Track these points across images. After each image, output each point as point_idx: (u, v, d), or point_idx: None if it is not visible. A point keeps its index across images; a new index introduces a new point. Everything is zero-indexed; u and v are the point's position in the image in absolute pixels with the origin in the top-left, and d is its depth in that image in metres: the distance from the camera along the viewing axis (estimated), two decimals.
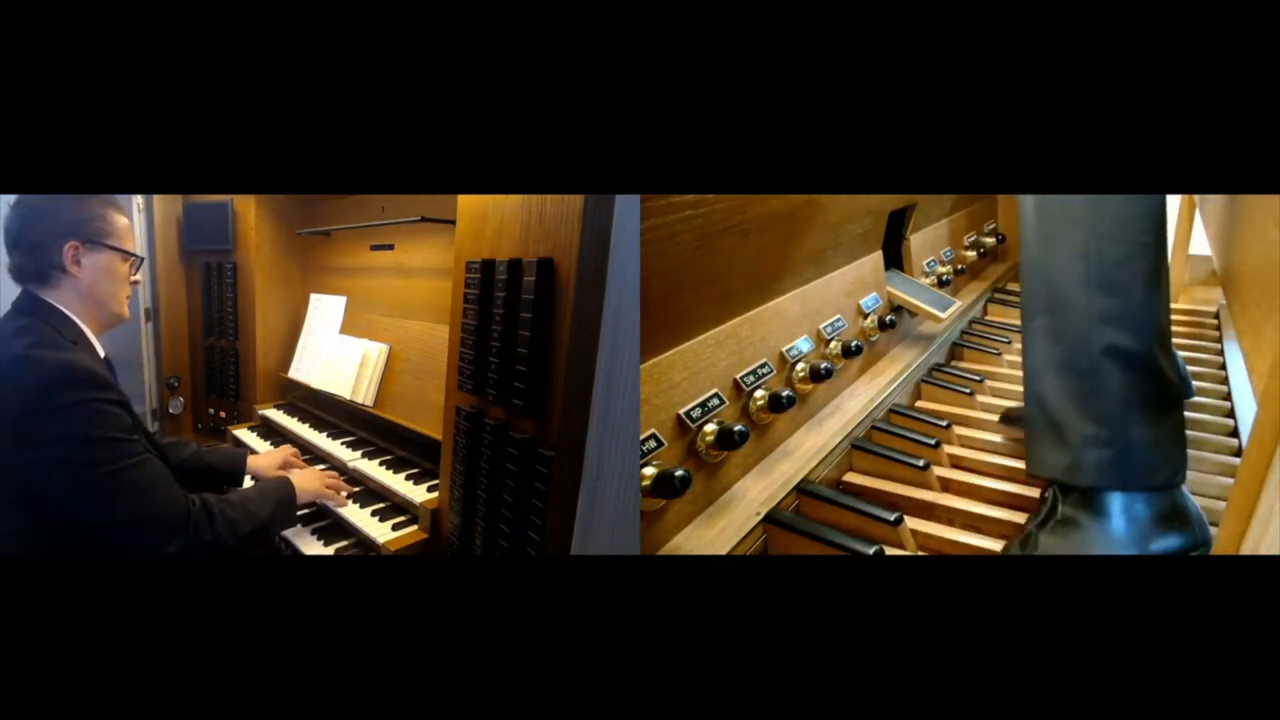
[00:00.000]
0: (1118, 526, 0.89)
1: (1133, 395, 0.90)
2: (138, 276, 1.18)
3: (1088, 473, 0.91)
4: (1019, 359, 1.91)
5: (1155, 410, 0.91)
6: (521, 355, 0.99)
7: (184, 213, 2.18)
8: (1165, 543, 0.88)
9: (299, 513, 1.34)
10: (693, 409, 1.07)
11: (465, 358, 1.14)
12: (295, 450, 1.63)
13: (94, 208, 1.10)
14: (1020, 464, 1.35)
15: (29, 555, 1.00)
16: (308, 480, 1.36)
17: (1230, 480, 1.22)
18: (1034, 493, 1.25)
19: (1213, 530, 1.12)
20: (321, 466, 1.53)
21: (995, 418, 1.56)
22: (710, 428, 1.08)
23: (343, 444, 1.66)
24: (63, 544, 1.00)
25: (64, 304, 1.07)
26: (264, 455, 1.55)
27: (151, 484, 1.01)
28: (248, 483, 1.47)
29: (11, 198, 1.09)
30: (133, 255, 1.15)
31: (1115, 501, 0.90)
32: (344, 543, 1.32)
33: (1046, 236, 0.96)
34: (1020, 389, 1.70)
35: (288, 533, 1.34)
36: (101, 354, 1.11)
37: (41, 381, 0.94)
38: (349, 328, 1.90)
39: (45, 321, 1.04)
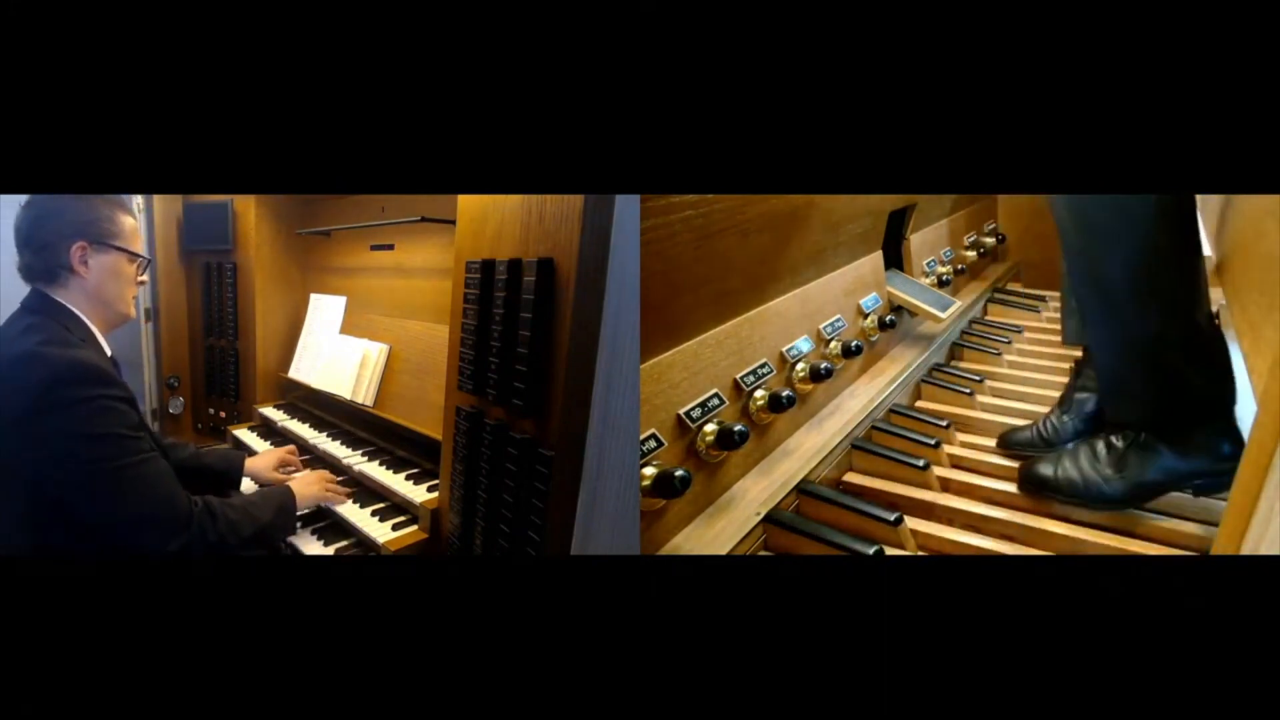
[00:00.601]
0: (1186, 449, 1.11)
1: (1186, 363, 1.07)
2: (144, 277, 1.20)
3: (1157, 417, 1.12)
4: (1019, 359, 1.93)
5: (1205, 367, 1.08)
6: (521, 355, 0.99)
7: (184, 213, 2.18)
8: (1224, 447, 1.08)
9: (299, 517, 1.34)
10: (693, 409, 1.07)
11: (465, 358, 1.14)
12: (293, 449, 1.64)
13: (101, 209, 1.11)
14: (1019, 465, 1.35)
15: (33, 554, 1.00)
16: (308, 485, 1.36)
17: None
18: None
19: (1211, 529, 1.13)
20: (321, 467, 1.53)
21: (996, 418, 1.56)
22: (710, 428, 1.08)
23: (343, 444, 1.66)
24: (67, 542, 1.01)
25: (72, 303, 1.09)
26: (261, 456, 1.56)
27: (156, 482, 1.02)
28: (246, 484, 1.47)
29: (23, 198, 1.10)
30: (139, 256, 1.17)
31: (1183, 432, 1.11)
32: (344, 543, 1.32)
33: (1089, 250, 1.09)
34: (1020, 389, 1.72)
35: None
36: (108, 353, 1.12)
37: (50, 377, 0.95)
38: (349, 328, 1.90)
39: (54, 319, 1.05)
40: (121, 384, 1.03)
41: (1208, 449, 1.09)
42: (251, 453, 1.64)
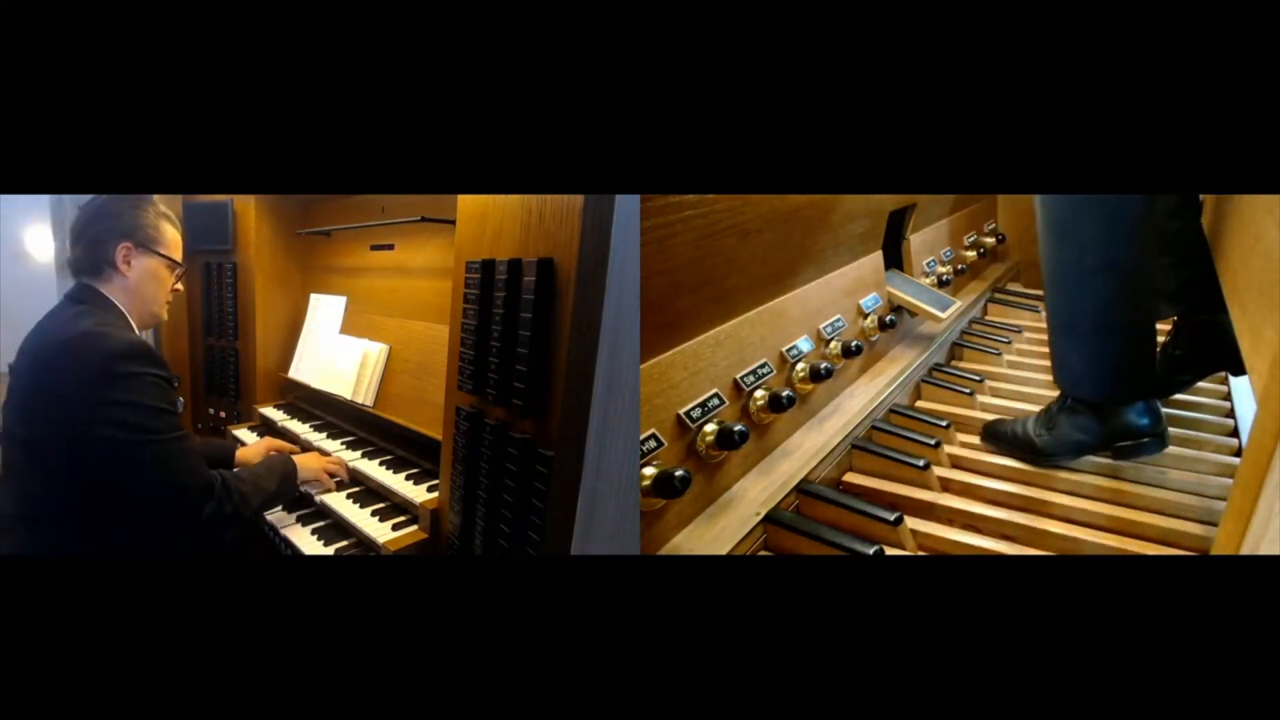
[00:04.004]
0: (1106, 417, 1.28)
1: (1118, 354, 1.24)
2: (179, 285, 1.31)
3: (1086, 392, 1.29)
4: (1019, 359, 1.93)
5: (1133, 362, 1.25)
6: (521, 355, 0.99)
7: (184, 213, 2.18)
8: (1140, 421, 1.27)
9: (298, 505, 1.41)
10: (693, 409, 1.07)
11: (465, 358, 1.14)
12: (279, 441, 1.68)
13: (150, 218, 1.24)
14: (1020, 464, 1.36)
15: (65, 530, 1.08)
16: (309, 460, 1.45)
17: (1230, 480, 1.22)
18: (1033, 494, 1.27)
19: (1211, 529, 1.13)
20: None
21: (996, 418, 1.56)
22: (710, 428, 1.08)
23: (343, 444, 1.66)
24: (105, 515, 1.08)
25: (113, 296, 1.20)
26: (251, 446, 1.62)
27: (192, 455, 1.13)
28: None
29: (82, 199, 1.23)
30: (177, 265, 1.29)
31: (1105, 403, 1.29)
32: (344, 543, 1.32)
33: (1050, 242, 1.26)
34: (1020, 389, 1.72)
35: (288, 532, 1.36)
36: None
37: (111, 352, 1.04)
38: (349, 328, 1.90)
39: (100, 308, 1.16)
40: (165, 365, 1.13)
41: (1126, 419, 1.26)
42: (242, 444, 1.67)
